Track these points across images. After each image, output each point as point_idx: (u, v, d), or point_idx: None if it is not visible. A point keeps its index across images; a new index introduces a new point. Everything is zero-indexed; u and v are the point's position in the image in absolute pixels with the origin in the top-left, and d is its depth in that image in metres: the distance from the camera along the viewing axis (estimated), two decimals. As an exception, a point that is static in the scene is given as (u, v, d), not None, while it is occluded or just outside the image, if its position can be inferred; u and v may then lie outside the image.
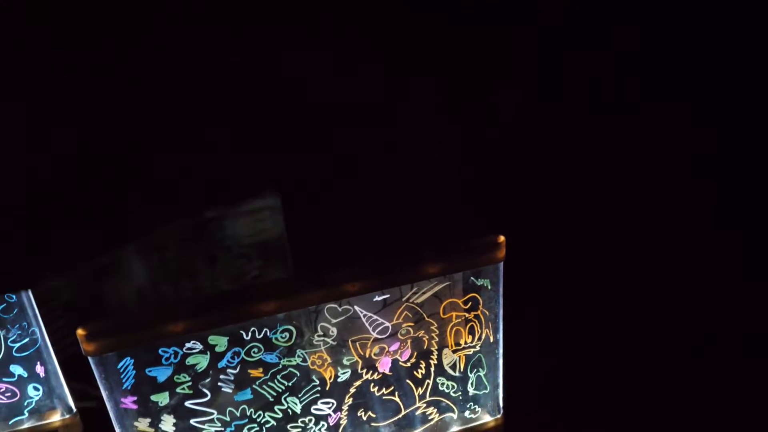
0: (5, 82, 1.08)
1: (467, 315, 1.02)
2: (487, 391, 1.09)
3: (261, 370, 0.94)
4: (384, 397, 1.03)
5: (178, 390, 0.91)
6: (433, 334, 1.02)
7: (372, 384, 1.02)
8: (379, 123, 1.29)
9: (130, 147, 1.22)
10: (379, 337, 0.99)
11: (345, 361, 0.99)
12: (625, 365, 1.29)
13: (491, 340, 1.05)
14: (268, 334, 0.93)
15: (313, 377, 0.97)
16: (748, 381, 1.24)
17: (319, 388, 0.98)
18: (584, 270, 1.26)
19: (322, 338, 0.96)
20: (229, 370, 0.93)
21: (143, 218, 1.30)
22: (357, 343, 0.98)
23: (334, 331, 0.96)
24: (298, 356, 0.95)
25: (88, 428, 1.16)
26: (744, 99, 1.25)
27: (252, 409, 0.96)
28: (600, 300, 1.27)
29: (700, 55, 1.23)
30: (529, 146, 1.22)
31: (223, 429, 0.96)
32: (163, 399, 0.91)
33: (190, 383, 0.91)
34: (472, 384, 1.07)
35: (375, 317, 0.97)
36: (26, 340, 1.10)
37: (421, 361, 1.03)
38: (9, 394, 1.12)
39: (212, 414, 0.94)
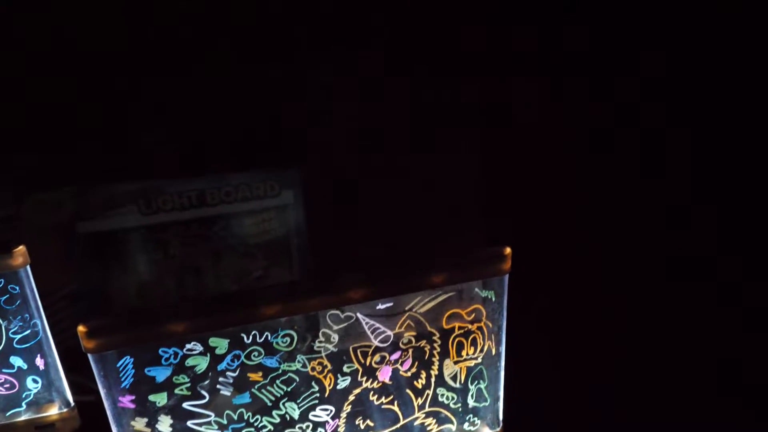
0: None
1: (470, 326, 1.01)
2: (487, 404, 1.08)
3: (260, 374, 0.94)
4: (383, 406, 1.02)
5: (176, 391, 0.91)
6: (435, 345, 1.01)
7: (371, 392, 1.01)
8: (390, 134, 1.29)
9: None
10: (381, 345, 0.98)
11: (345, 369, 0.98)
12: (627, 380, 1.27)
13: (493, 353, 1.04)
14: (270, 338, 0.92)
15: (313, 383, 0.97)
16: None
17: (318, 395, 0.98)
18: (590, 284, 1.25)
19: (323, 344, 0.95)
20: (228, 373, 0.92)
21: (150, 208, 1.29)
22: (358, 351, 0.97)
23: (335, 337, 0.95)
24: (299, 361, 0.95)
25: (86, 423, 1.16)
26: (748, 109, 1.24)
27: (250, 413, 0.95)
28: (605, 314, 1.26)
29: (702, 62, 1.21)
30: (542, 158, 1.21)
31: None
32: (161, 399, 0.90)
33: (189, 384, 0.91)
34: (472, 396, 1.06)
35: (377, 325, 0.97)
36: (27, 332, 1.10)
37: (422, 371, 1.02)
38: (8, 385, 1.12)
39: (210, 416, 0.94)
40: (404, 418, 1.04)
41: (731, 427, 1.20)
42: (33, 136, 1.21)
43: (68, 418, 1.17)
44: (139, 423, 0.91)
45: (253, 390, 0.94)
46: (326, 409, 0.99)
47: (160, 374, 0.89)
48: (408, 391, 1.03)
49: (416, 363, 1.01)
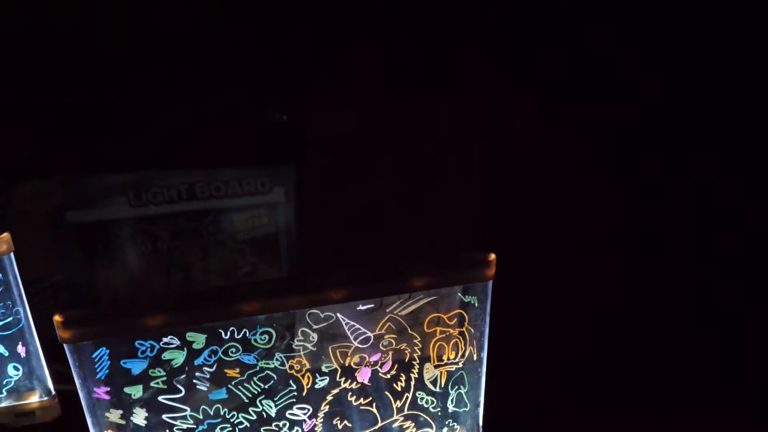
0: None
1: (452, 331, 1.01)
2: (467, 409, 1.07)
3: (238, 370, 0.93)
4: (361, 407, 1.02)
5: (152, 384, 0.90)
6: (416, 348, 1.01)
7: (350, 393, 1.00)
8: (387, 133, 1.28)
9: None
10: (360, 346, 0.98)
11: (324, 368, 0.97)
12: (614, 388, 1.26)
13: (475, 358, 1.03)
14: (248, 334, 0.92)
15: (290, 382, 0.96)
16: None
17: (295, 393, 0.97)
18: (575, 292, 1.24)
19: (302, 343, 0.95)
20: (205, 368, 0.92)
21: (140, 200, 1.29)
22: (337, 351, 0.97)
23: (314, 336, 0.95)
24: (277, 359, 0.94)
25: (66, 412, 1.16)
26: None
27: (226, 409, 0.95)
28: (590, 323, 1.25)
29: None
30: (532, 166, 1.21)
31: (195, 426, 0.95)
32: (136, 392, 0.90)
33: (164, 378, 0.90)
34: (452, 401, 1.06)
35: (357, 326, 0.96)
36: (9, 319, 1.10)
37: (402, 374, 1.02)
38: (-11, 372, 1.12)
39: (185, 411, 0.93)
40: (383, 420, 1.04)
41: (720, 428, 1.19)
42: (24, 125, 1.21)
43: (48, 407, 1.16)
44: (114, 415, 0.91)
45: (229, 386, 0.94)
46: (303, 408, 0.99)
47: (136, 367, 0.89)
48: (387, 393, 1.02)
49: (396, 365, 1.01)
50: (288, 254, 1.41)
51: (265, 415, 0.97)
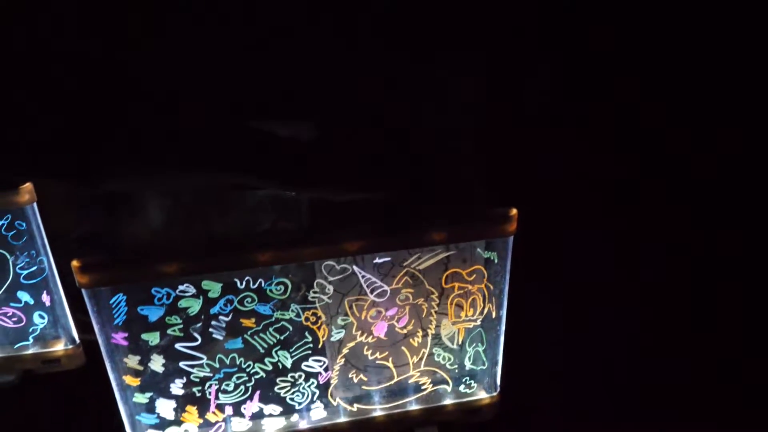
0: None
1: (471, 287, 0.99)
2: (484, 368, 1.06)
3: (253, 320, 0.93)
4: (377, 362, 1.01)
5: (168, 331, 0.91)
6: (433, 303, 0.99)
7: (366, 347, 1.00)
8: (407, 90, 1.25)
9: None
10: (377, 300, 0.96)
11: (339, 321, 0.97)
12: (631, 351, 1.23)
13: (493, 316, 1.01)
14: (263, 285, 0.91)
15: (306, 334, 0.96)
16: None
17: (311, 345, 0.97)
18: (597, 252, 1.20)
19: (317, 295, 0.94)
20: (221, 317, 0.92)
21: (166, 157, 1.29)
22: (353, 304, 0.96)
23: (330, 289, 0.94)
24: (292, 311, 0.94)
25: (90, 361, 1.18)
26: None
27: (242, 359, 0.96)
28: (613, 283, 1.22)
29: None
30: (555, 124, 1.16)
31: (211, 375, 0.95)
32: (153, 338, 0.91)
33: (181, 326, 0.91)
34: (469, 358, 1.04)
35: (374, 279, 0.95)
36: (34, 268, 1.12)
37: (419, 330, 1.00)
38: (15, 318, 1.15)
39: (202, 359, 0.94)
40: (398, 376, 1.03)
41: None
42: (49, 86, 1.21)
43: (73, 355, 1.19)
44: (132, 360, 0.92)
45: (245, 336, 0.94)
46: (319, 361, 0.99)
47: (153, 314, 0.89)
48: (403, 348, 1.01)
49: (413, 321, 0.99)
50: (309, 211, 1.40)
51: (281, 366, 0.97)
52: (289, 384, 0.99)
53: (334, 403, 1.02)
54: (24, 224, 1.08)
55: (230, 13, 1.15)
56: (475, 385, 1.07)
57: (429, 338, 1.01)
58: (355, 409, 1.03)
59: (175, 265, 0.86)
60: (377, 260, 0.93)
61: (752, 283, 1.28)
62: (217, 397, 0.97)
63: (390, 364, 1.02)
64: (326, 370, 1.00)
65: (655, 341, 1.23)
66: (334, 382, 1.01)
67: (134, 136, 1.22)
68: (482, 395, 1.07)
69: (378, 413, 1.04)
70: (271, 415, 1.00)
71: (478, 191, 1.17)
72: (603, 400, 1.13)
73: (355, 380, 1.02)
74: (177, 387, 0.95)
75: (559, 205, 1.14)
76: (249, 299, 0.92)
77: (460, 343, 1.03)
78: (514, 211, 0.94)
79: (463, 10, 1.17)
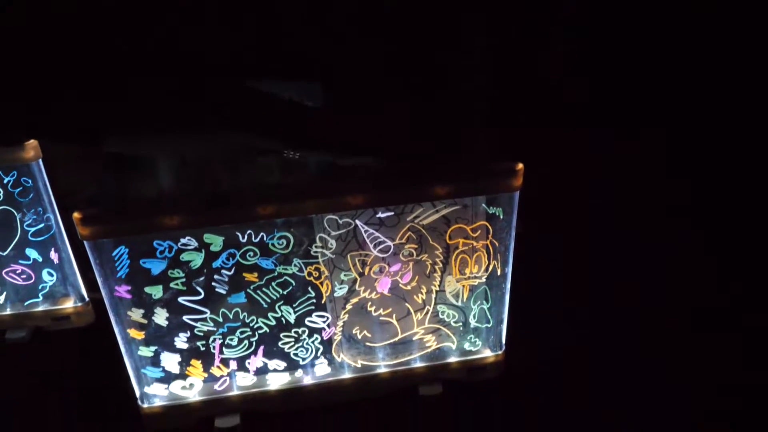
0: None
1: (475, 243, 0.98)
2: (489, 326, 1.05)
3: (256, 275, 0.93)
4: (381, 318, 1.01)
5: (171, 285, 0.91)
6: (438, 260, 0.98)
7: (369, 303, 0.99)
8: (417, 45, 1.22)
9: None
10: (380, 255, 0.96)
11: (342, 277, 0.96)
12: (636, 311, 1.21)
13: (498, 273, 1.00)
14: (265, 238, 0.91)
15: (309, 289, 0.96)
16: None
17: (314, 301, 0.97)
18: (606, 208, 1.18)
19: (320, 249, 0.93)
20: (223, 271, 0.92)
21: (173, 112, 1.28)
22: (356, 260, 0.95)
23: (332, 243, 0.93)
24: (295, 265, 0.93)
25: (100, 319, 1.19)
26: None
27: (245, 313, 0.96)
28: (618, 243, 1.20)
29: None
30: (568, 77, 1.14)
31: (215, 329, 0.96)
32: (156, 292, 0.91)
33: (183, 279, 0.91)
34: (474, 316, 1.04)
35: (377, 234, 0.94)
36: (41, 225, 1.12)
37: (422, 286, 1.00)
38: (24, 276, 1.16)
39: (205, 313, 0.94)
40: (402, 333, 1.03)
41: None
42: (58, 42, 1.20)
43: (83, 313, 1.20)
44: (136, 314, 0.92)
45: (248, 290, 0.94)
46: (323, 316, 0.98)
47: (155, 267, 0.89)
48: (407, 305, 1.01)
49: (417, 277, 0.99)
50: (316, 172, 1.39)
51: (284, 321, 0.97)
52: (292, 339, 0.99)
53: (339, 359, 1.02)
54: (30, 181, 1.09)
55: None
56: (480, 343, 1.06)
57: (433, 295, 1.01)
58: (359, 365, 1.03)
59: (176, 218, 0.85)
60: (380, 214, 0.92)
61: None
62: (221, 352, 0.97)
63: (394, 321, 1.02)
64: (330, 326, 0.99)
65: (660, 301, 1.21)
66: (337, 338, 1.01)
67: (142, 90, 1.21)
68: (487, 353, 1.07)
69: (382, 370, 1.04)
70: (275, 370, 1.01)
71: (482, 145, 1.15)
72: (608, 359, 1.12)
73: (359, 336, 1.02)
74: (181, 341, 0.95)
75: (565, 160, 1.12)
76: (251, 253, 0.91)
77: (464, 300, 1.02)
78: (520, 166, 0.92)
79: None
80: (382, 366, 1.04)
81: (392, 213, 0.93)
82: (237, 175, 1.40)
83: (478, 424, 1.01)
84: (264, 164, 1.39)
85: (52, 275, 1.17)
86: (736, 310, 1.18)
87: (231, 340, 0.97)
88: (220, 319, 0.95)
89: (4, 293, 1.17)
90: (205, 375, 0.99)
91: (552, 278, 1.17)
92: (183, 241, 0.88)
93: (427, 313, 1.02)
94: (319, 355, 1.01)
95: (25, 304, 1.19)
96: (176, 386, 0.98)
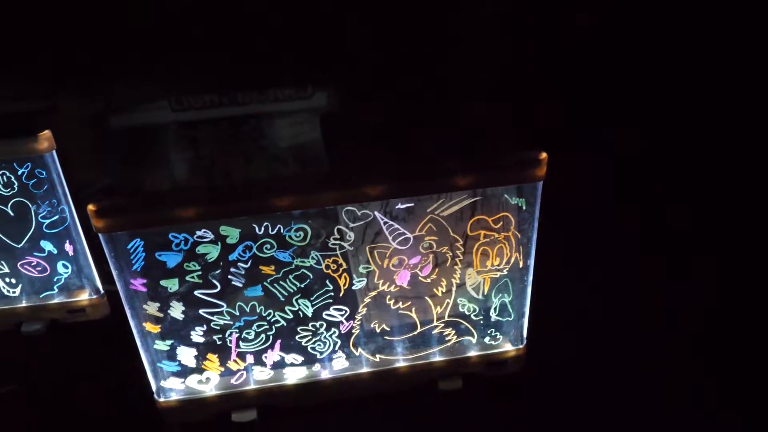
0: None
1: (497, 235, 0.95)
2: (511, 319, 1.03)
3: (273, 267, 0.91)
4: (400, 312, 0.99)
5: (187, 278, 0.90)
6: (458, 252, 0.96)
7: (388, 296, 0.97)
8: (432, 29, 1.19)
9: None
10: (399, 247, 0.93)
11: (361, 269, 0.94)
12: (657, 304, 1.19)
13: (521, 265, 0.98)
14: (282, 231, 0.89)
15: (327, 282, 0.94)
16: None
17: (332, 294, 0.95)
18: (632, 203, 1.15)
19: (338, 242, 0.91)
20: (240, 264, 0.90)
21: (181, 104, 1.27)
22: (375, 252, 0.93)
23: (351, 235, 0.91)
24: (312, 258, 0.91)
25: (116, 311, 1.18)
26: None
27: (262, 307, 0.94)
28: (639, 234, 1.17)
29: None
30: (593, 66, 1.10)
31: (231, 323, 0.94)
32: (172, 285, 0.90)
33: (200, 272, 0.89)
34: (495, 309, 1.01)
35: (396, 226, 0.92)
36: (56, 217, 1.11)
37: (443, 279, 0.97)
38: (40, 268, 1.15)
39: (221, 306, 0.93)
40: (422, 326, 1.01)
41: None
42: (67, 29, 1.19)
43: (98, 305, 1.19)
44: (152, 307, 0.91)
45: (265, 283, 0.92)
46: (341, 310, 0.97)
47: (171, 260, 0.88)
48: (427, 298, 0.99)
49: (437, 269, 0.96)
50: (331, 163, 1.36)
51: (301, 315, 0.96)
52: (310, 333, 0.97)
53: (357, 353, 1.01)
54: (44, 172, 1.07)
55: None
56: (501, 337, 1.04)
57: (453, 288, 0.98)
58: (377, 359, 1.01)
59: (191, 210, 0.84)
60: (400, 206, 0.90)
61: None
62: (237, 346, 0.96)
63: (413, 314, 0.99)
64: (348, 319, 0.98)
65: (686, 292, 1.18)
66: (355, 332, 0.99)
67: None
68: (508, 347, 1.04)
69: (401, 364, 1.02)
70: (292, 365, 0.99)
71: (505, 134, 1.12)
72: (633, 355, 1.09)
73: (378, 330, 1.00)
74: (197, 335, 0.94)
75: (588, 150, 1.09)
76: (268, 246, 0.89)
77: (485, 293, 1.00)
78: (544, 155, 0.90)
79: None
80: (401, 360, 1.02)
81: (412, 204, 0.90)
82: (250, 165, 1.38)
83: (499, 418, 0.99)
84: (278, 155, 1.37)
85: (67, 267, 1.16)
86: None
87: (248, 333, 0.95)
88: (237, 313, 0.94)
89: (20, 285, 1.17)
90: (222, 369, 0.98)
91: (576, 271, 1.15)
92: (199, 233, 0.87)
93: (446, 306, 1.00)
94: (336, 349, 0.99)
95: (41, 296, 1.18)
96: (192, 380, 0.97)
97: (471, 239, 0.95)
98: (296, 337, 0.97)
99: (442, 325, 1.01)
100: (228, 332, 0.95)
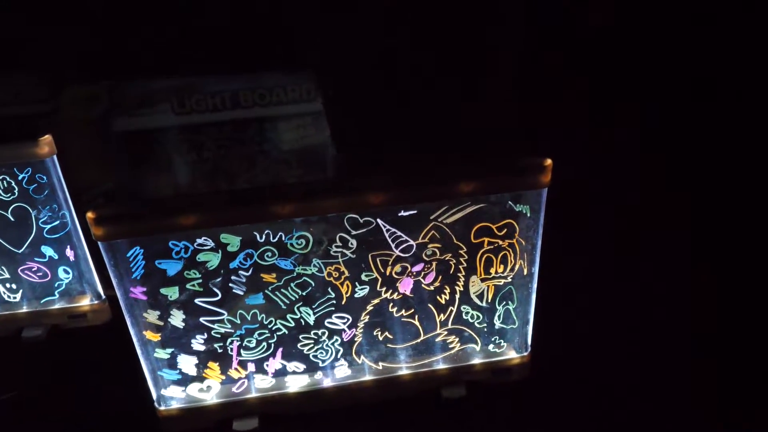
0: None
1: (501, 242, 0.94)
2: (515, 327, 1.01)
3: (274, 275, 0.90)
4: (403, 319, 0.98)
5: (188, 286, 0.89)
6: (462, 259, 0.94)
7: (391, 304, 0.96)
8: (438, 36, 1.19)
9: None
10: (402, 255, 0.92)
11: (363, 277, 0.93)
12: (668, 312, 1.17)
13: (525, 273, 0.96)
14: (284, 238, 0.88)
15: (329, 290, 0.93)
16: None
17: (334, 302, 0.94)
18: (635, 209, 1.14)
19: (340, 249, 0.90)
20: (241, 272, 0.89)
21: (183, 108, 1.26)
22: (377, 260, 0.92)
23: (353, 243, 0.90)
24: (314, 266, 0.90)
25: (117, 317, 1.18)
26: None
27: (263, 315, 0.93)
28: (644, 241, 1.15)
29: None
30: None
31: (232, 331, 0.93)
32: (172, 293, 0.89)
33: (200, 281, 0.88)
34: (499, 317, 1.00)
35: (399, 233, 0.90)
36: (57, 222, 1.11)
37: (446, 287, 0.96)
38: (41, 273, 1.14)
39: (222, 315, 0.92)
40: (425, 334, 1.00)
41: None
42: (72, 30, 1.18)
43: (99, 310, 1.19)
44: (152, 315, 0.90)
45: (266, 291, 0.91)
46: (343, 318, 0.95)
47: (171, 268, 0.87)
48: (430, 305, 0.97)
49: (440, 277, 0.95)
50: (335, 165, 1.35)
51: (303, 323, 0.95)
52: (312, 341, 0.96)
53: (359, 361, 0.99)
54: (45, 177, 1.07)
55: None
56: (505, 344, 1.03)
57: (457, 295, 0.97)
58: (380, 367, 1.00)
59: (192, 218, 0.83)
60: (402, 213, 0.89)
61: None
62: (239, 354, 0.95)
63: (416, 322, 0.98)
64: (350, 327, 0.96)
65: (694, 298, 1.17)
66: (358, 340, 0.98)
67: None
68: (512, 355, 1.03)
69: (404, 372, 1.01)
70: (294, 373, 0.98)
71: (509, 141, 1.10)
72: (638, 362, 1.08)
73: (380, 338, 0.99)
74: (198, 343, 0.93)
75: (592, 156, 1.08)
76: (269, 253, 0.88)
77: (489, 300, 0.98)
78: (549, 162, 0.88)
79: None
80: (404, 368, 1.01)
81: (415, 211, 0.89)
82: (254, 168, 1.37)
83: (503, 426, 0.98)
84: (281, 158, 1.36)
85: (68, 273, 1.15)
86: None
87: (249, 341, 0.94)
88: (238, 321, 0.93)
89: (21, 291, 1.16)
90: (223, 377, 0.97)
91: (580, 278, 1.13)
92: (199, 241, 0.86)
93: (450, 313, 0.99)
94: (339, 357, 0.98)
95: (42, 302, 1.17)
96: (193, 389, 0.96)
97: (475, 246, 0.94)
98: (298, 345, 0.96)
99: (446, 332, 1.00)
100: (229, 340, 0.94)
